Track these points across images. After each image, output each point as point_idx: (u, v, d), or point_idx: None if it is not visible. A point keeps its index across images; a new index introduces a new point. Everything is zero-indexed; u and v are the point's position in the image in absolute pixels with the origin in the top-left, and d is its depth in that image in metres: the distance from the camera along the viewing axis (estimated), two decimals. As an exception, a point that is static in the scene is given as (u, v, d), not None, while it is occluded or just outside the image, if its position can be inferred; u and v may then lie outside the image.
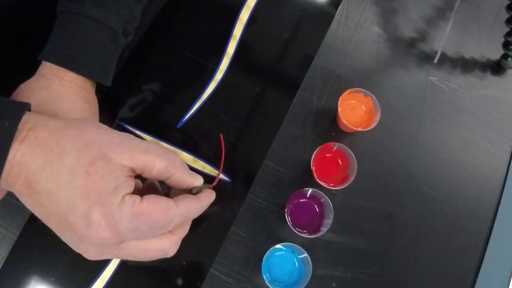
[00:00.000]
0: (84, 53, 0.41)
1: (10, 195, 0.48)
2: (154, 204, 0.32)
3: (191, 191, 0.38)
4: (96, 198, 0.29)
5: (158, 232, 0.33)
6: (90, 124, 0.33)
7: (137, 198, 0.32)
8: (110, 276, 0.46)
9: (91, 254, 0.32)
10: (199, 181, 0.39)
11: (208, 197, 0.39)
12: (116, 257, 0.34)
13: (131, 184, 0.32)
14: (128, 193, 0.31)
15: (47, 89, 0.39)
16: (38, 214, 0.32)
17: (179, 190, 0.39)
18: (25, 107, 0.31)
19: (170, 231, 0.35)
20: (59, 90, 0.39)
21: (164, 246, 0.34)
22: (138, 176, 0.35)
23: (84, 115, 0.40)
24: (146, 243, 0.33)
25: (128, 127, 0.51)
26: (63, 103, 0.39)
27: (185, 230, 0.38)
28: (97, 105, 0.44)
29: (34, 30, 0.41)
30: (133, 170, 0.32)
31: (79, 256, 0.46)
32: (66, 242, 0.33)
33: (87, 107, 0.41)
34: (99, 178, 0.30)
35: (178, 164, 0.35)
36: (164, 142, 0.51)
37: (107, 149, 0.31)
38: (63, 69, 0.40)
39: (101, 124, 0.35)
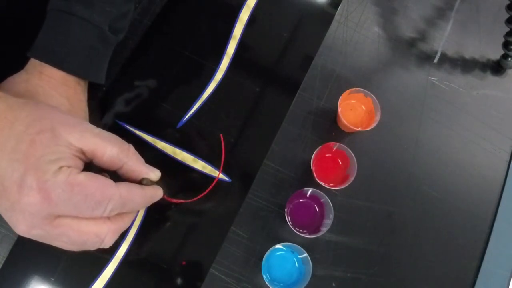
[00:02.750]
0: (65, 49, 0.41)
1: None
2: (92, 178, 0.31)
3: (141, 182, 0.37)
4: (34, 163, 0.30)
5: (94, 210, 0.32)
6: (49, 105, 0.34)
7: (75, 169, 0.31)
8: (110, 276, 0.46)
9: (22, 226, 0.31)
10: (155, 174, 0.38)
11: (154, 189, 0.38)
12: (49, 236, 0.32)
13: (75, 162, 0.32)
14: (68, 166, 0.31)
15: (26, 83, 0.40)
16: None
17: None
18: None
19: (108, 218, 0.34)
20: (37, 84, 0.40)
21: (100, 231, 0.33)
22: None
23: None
24: (81, 223, 0.32)
25: (128, 126, 0.51)
26: (38, 97, 0.40)
27: (125, 222, 0.36)
28: (81, 102, 0.44)
29: (31, 27, 0.42)
30: (82, 153, 0.33)
31: (79, 256, 0.46)
32: (1, 213, 0.32)
33: (65, 102, 0.42)
34: (42, 147, 0.30)
35: (131, 154, 0.35)
36: (164, 141, 0.51)
37: (58, 126, 0.32)
38: (44, 64, 0.41)
39: (60, 109, 0.35)
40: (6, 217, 0.32)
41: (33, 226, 0.31)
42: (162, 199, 0.41)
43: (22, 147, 0.30)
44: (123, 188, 0.33)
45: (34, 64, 0.41)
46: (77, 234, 0.32)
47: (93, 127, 0.34)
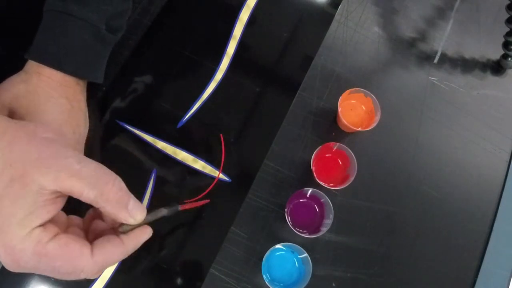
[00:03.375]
0: (63, 50, 0.41)
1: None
2: (62, 249, 0.30)
3: (120, 226, 0.35)
4: (1, 224, 0.29)
5: (64, 277, 0.31)
6: (28, 135, 0.32)
7: (46, 236, 0.29)
8: (110, 276, 0.46)
9: (8, 263, 0.30)
10: (136, 218, 0.34)
11: (136, 238, 0.35)
12: (37, 269, 0.31)
13: (48, 210, 0.30)
14: (40, 225, 0.30)
15: (25, 83, 0.40)
16: None
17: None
18: None
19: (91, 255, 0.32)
20: (36, 85, 0.40)
21: (81, 276, 0.32)
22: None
23: (60, 110, 0.41)
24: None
25: (128, 126, 0.51)
26: (38, 98, 0.40)
27: (113, 261, 0.34)
28: (81, 102, 0.44)
29: (31, 27, 0.42)
30: (58, 192, 0.31)
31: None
32: None
33: (65, 102, 0.42)
34: (10, 203, 0.29)
35: (112, 197, 0.32)
36: (164, 141, 0.51)
37: (31, 168, 0.29)
38: (42, 65, 0.41)
39: (40, 135, 0.33)
40: None
41: (17, 266, 0.30)
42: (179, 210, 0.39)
43: None
44: (100, 256, 0.31)
45: (32, 65, 0.41)
46: (56, 274, 0.31)
47: (75, 161, 0.31)
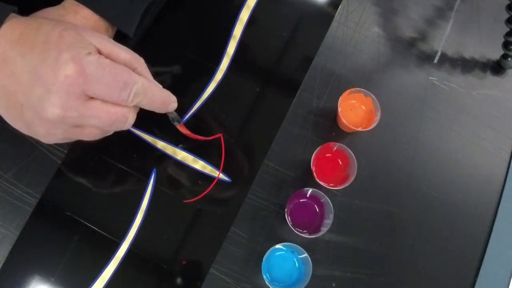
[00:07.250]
0: None
1: (10, 195, 0.48)
2: (117, 64, 0.35)
3: None
4: (66, 47, 0.33)
5: (122, 91, 0.34)
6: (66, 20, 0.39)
7: (102, 55, 0.34)
8: (110, 276, 0.46)
9: (57, 110, 0.33)
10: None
11: (168, 91, 0.41)
12: (82, 118, 0.34)
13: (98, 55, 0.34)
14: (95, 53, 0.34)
15: (62, 18, 0.41)
16: (8, 89, 0.34)
17: None
18: (13, 8, 0.35)
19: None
20: (71, 23, 0.41)
21: (125, 111, 0.36)
22: None
23: None
24: (109, 106, 0.35)
25: (128, 127, 0.51)
26: None
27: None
28: None
29: None
30: (100, 52, 0.35)
31: (79, 256, 0.46)
32: (33, 112, 0.34)
33: None
34: (70, 39, 0.33)
35: (141, 62, 0.38)
36: (164, 141, 0.51)
37: (79, 29, 0.35)
38: (80, 5, 0.42)
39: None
40: (37, 108, 0.33)
41: (68, 107, 0.33)
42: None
43: (52, 39, 0.33)
44: (144, 78, 0.37)
45: (71, 3, 0.42)
46: (107, 115, 0.35)
47: (108, 37, 0.37)
